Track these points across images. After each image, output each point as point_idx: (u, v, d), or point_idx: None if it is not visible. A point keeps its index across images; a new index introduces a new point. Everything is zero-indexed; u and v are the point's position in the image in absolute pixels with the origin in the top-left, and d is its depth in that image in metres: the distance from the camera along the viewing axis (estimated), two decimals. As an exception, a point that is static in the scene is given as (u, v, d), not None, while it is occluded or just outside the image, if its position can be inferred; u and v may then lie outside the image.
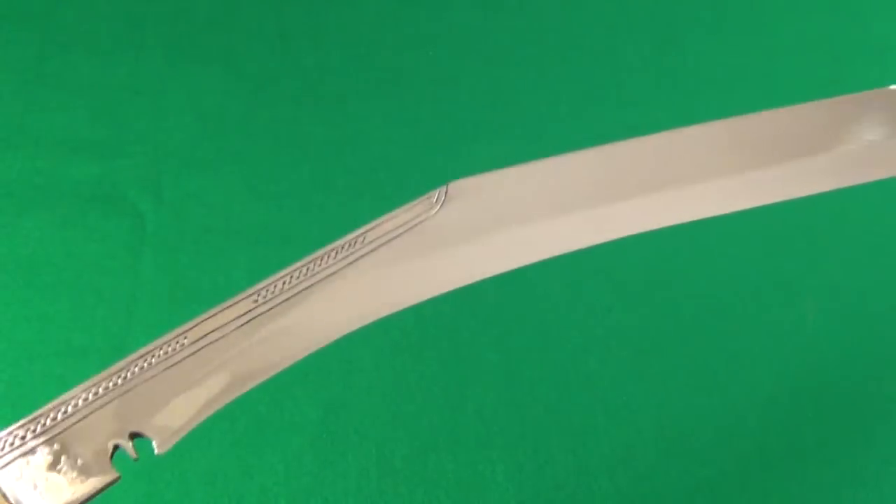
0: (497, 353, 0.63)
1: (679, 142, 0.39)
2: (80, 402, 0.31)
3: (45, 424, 0.31)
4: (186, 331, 0.33)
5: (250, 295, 0.34)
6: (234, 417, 0.60)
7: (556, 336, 0.64)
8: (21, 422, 0.31)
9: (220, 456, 0.59)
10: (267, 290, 0.34)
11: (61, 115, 0.72)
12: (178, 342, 0.33)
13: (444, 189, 0.37)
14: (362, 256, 0.35)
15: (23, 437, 0.31)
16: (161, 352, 0.33)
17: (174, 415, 0.32)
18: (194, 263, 0.66)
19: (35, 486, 0.30)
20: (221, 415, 0.60)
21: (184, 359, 0.33)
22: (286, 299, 0.34)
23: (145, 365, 0.32)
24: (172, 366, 0.32)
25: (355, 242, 0.35)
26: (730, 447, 0.61)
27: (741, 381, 0.63)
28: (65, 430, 0.31)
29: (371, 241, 0.35)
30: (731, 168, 0.38)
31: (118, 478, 0.31)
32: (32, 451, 0.30)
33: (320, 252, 0.35)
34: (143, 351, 0.33)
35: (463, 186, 0.37)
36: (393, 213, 0.36)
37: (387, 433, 0.60)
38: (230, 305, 0.34)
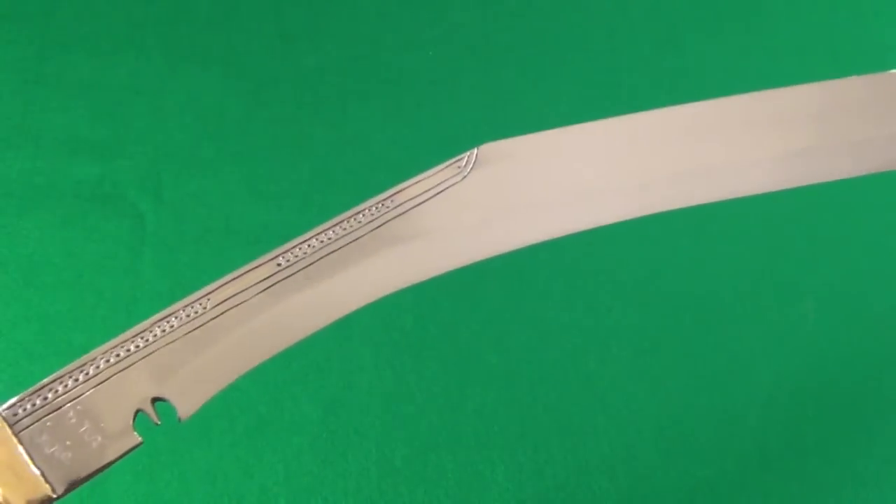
0: (497, 353, 0.63)
1: (722, 111, 0.36)
2: (102, 364, 0.31)
3: (67, 386, 0.31)
4: (208, 293, 0.32)
5: (273, 258, 0.33)
6: (233, 417, 0.60)
7: (556, 336, 0.64)
8: (43, 382, 0.31)
9: (220, 456, 0.59)
10: (291, 254, 0.33)
11: (61, 115, 0.72)
12: (200, 304, 0.32)
13: (474, 152, 0.35)
14: (388, 221, 0.34)
15: (45, 399, 0.30)
16: (183, 314, 0.32)
17: (197, 379, 0.31)
18: (194, 263, 0.66)
19: (57, 449, 0.30)
20: (221, 414, 0.61)
21: (206, 322, 0.32)
22: (310, 264, 0.33)
23: (167, 328, 0.32)
24: (194, 329, 0.32)
25: (381, 205, 0.34)
26: (730, 447, 0.61)
27: (741, 381, 0.63)
28: (86, 392, 0.30)
29: (398, 205, 0.34)
30: (774, 142, 0.36)
31: (140, 442, 0.31)
32: (54, 413, 0.30)
33: (345, 215, 0.34)
34: (164, 313, 0.32)
35: (494, 150, 0.35)
36: (421, 176, 0.35)
37: (387, 433, 0.60)
38: (252, 269, 0.33)
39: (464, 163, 0.35)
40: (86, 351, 0.63)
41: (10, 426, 0.30)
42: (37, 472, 0.29)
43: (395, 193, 0.34)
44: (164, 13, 0.78)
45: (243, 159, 0.71)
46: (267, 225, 0.68)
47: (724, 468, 0.60)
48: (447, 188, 0.34)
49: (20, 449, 0.30)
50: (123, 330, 0.65)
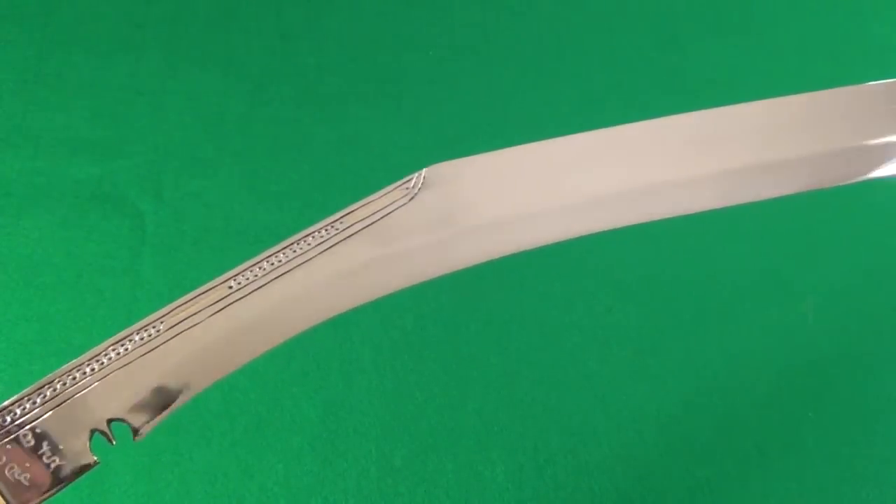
0: (497, 353, 0.63)
1: (678, 127, 0.37)
2: (58, 387, 0.32)
3: (24, 409, 0.31)
4: (162, 317, 0.33)
5: (225, 281, 0.34)
6: (233, 417, 0.60)
7: (556, 336, 0.64)
8: (1, 405, 0.31)
9: (220, 456, 0.59)
10: (242, 276, 0.34)
11: (61, 115, 0.72)
12: (154, 327, 0.33)
13: (421, 174, 0.36)
14: (338, 243, 0.34)
15: (3, 421, 0.31)
16: (137, 337, 0.32)
17: (151, 401, 0.32)
18: (194, 263, 0.66)
19: (15, 471, 0.31)
20: (221, 415, 0.61)
21: (160, 345, 0.32)
22: (261, 286, 0.33)
23: (121, 350, 0.32)
24: (148, 352, 0.32)
25: (330, 228, 0.35)
26: (730, 447, 0.61)
27: (741, 381, 0.63)
28: (43, 415, 0.31)
29: (347, 227, 0.35)
30: (729, 159, 0.36)
31: (97, 462, 0.31)
32: (13, 436, 0.31)
33: (295, 237, 0.34)
34: (119, 336, 0.32)
35: (441, 171, 0.36)
36: (369, 198, 0.35)
37: (387, 433, 0.60)
38: (205, 292, 0.33)
39: (412, 184, 0.36)
40: (85, 351, 0.63)
41: None
42: None
43: (343, 216, 0.35)
44: (164, 13, 0.78)
45: (243, 159, 0.71)
46: (267, 225, 0.68)
47: (724, 468, 0.60)
48: (395, 209, 0.35)
49: None
50: (123, 329, 0.65)
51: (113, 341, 0.32)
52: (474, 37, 0.79)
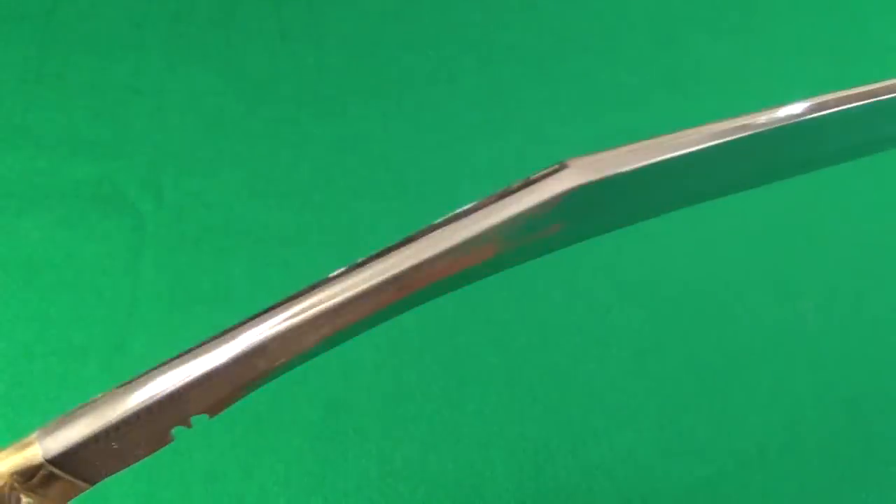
0: (497, 353, 0.63)
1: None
2: (144, 412, 0.33)
3: (122, 430, 0.33)
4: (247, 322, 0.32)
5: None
6: (234, 417, 0.60)
7: (556, 336, 0.64)
8: (90, 434, 0.33)
9: (220, 456, 0.59)
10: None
11: (61, 115, 0.72)
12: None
13: (560, 166, 0.32)
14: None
15: (100, 434, 0.32)
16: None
17: (226, 393, 0.33)
18: (194, 263, 0.66)
19: (97, 462, 0.33)
20: (221, 415, 0.60)
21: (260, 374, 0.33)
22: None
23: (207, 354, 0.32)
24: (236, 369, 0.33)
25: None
26: (730, 447, 0.61)
27: (741, 381, 0.63)
28: (129, 433, 0.33)
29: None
30: None
31: (173, 439, 0.33)
32: (103, 440, 0.33)
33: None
34: (205, 344, 0.32)
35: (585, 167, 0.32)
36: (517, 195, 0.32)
37: (387, 433, 0.60)
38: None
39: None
40: (85, 351, 0.63)
41: (60, 467, 0.33)
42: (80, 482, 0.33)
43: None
44: (164, 13, 0.78)
45: (243, 159, 0.71)
46: (267, 225, 0.68)
47: (724, 468, 0.60)
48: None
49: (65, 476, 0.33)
50: (123, 330, 0.65)
51: (199, 344, 0.32)
52: (474, 37, 0.79)
